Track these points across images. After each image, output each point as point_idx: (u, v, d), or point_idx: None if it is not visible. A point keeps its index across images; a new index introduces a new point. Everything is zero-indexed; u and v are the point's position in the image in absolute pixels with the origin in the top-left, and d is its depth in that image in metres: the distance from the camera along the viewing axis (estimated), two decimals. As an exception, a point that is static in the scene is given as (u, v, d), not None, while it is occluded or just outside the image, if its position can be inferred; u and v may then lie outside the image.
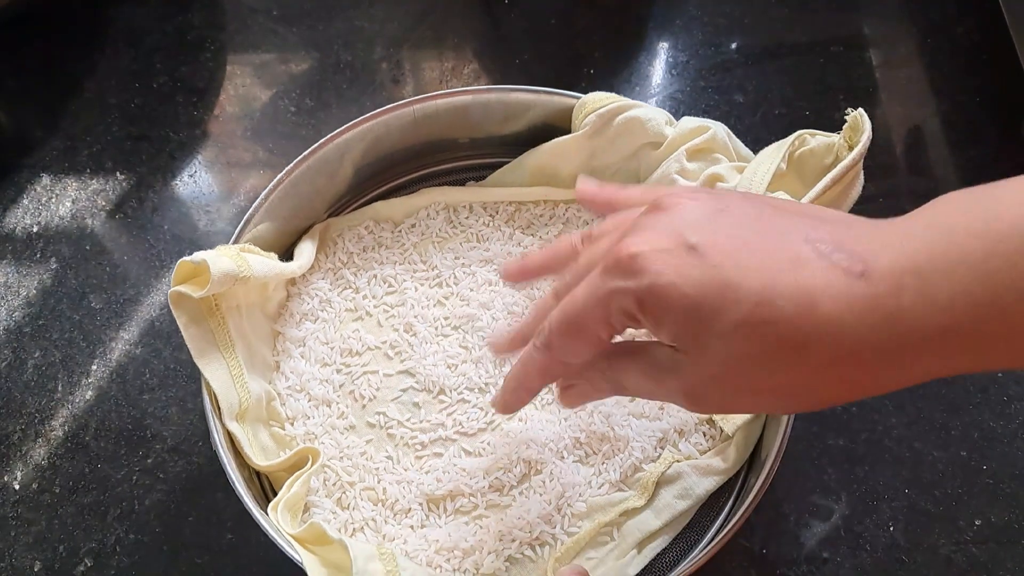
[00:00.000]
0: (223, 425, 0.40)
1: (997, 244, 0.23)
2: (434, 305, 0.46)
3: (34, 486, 0.46)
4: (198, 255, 0.39)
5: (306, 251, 0.46)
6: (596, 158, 0.47)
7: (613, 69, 0.59)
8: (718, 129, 0.44)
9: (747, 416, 0.39)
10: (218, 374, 0.40)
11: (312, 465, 0.39)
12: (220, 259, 0.39)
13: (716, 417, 0.40)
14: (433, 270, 0.47)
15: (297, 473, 0.39)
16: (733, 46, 0.60)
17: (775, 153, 0.41)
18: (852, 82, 0.58)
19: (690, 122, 0.44)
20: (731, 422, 0.40)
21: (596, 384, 0.32)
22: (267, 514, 0.37)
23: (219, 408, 0.40)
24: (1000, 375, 0.47)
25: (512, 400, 0.34)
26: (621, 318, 0.27)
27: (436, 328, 0.45)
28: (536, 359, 0.31)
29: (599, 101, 0.45)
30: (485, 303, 0.46)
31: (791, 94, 0.57)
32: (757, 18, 0.61)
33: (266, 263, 0.42)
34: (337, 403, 0.44)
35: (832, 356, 0.24)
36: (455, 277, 0.47)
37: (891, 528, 0.44)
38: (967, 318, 0.23)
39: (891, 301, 0.24)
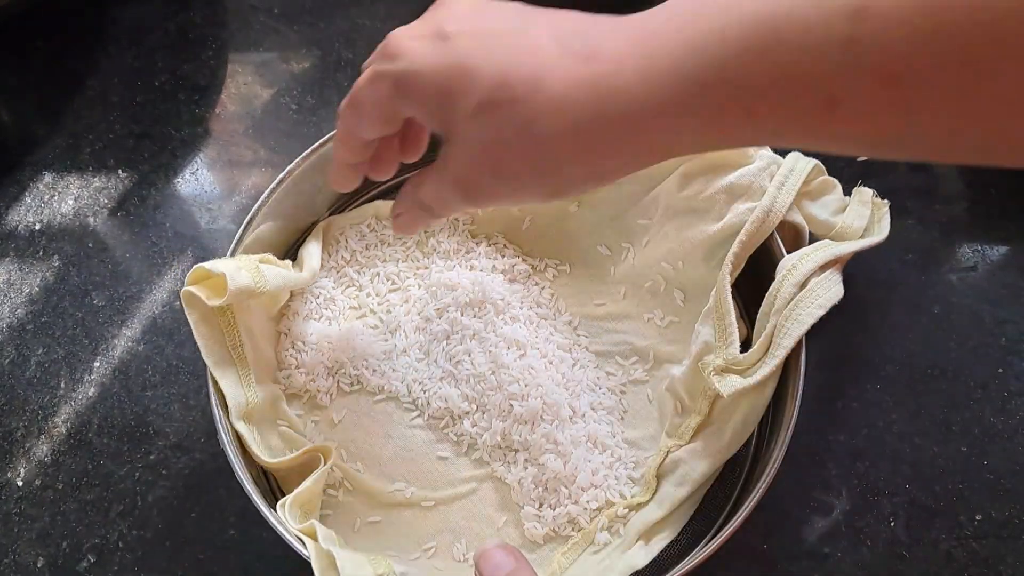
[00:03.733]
0: (231, 423, 0.39)
1: (709, 25, 0.24)
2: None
3: (37, 482, 0.46)
4: (218, 264, 0.39)
5: (314, 255, 0.46)
6: None
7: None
8: None
9: (746, 382, 0.39)
10: (227, 373, 0.40)
11: (325, 463, 0.39)
12: (239, 273, 0.39)
13: (714, 378, 0.39)
14: (435, 266, 0.47)
15: (317, 473, 0.39)
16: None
17: (803, 166, 0.42)
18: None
19: None
20: (729, 384, 0.39)
21: (408, 207, 0.35)
22: (272, 510, 0.37)
23: (226, 407, 0.39)
24: (1000, 370, 0.47)
25: (336, 175, 0.37)
26: (386, 101, 0.30)
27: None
28: (338, 129, 0.34)
29: None
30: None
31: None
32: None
33: (281, 275, 0.42)
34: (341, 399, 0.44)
35: (559, 130, 0.27)
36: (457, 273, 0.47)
37: (892, 523, 0.44)
38: (680, 92, 0.25)
39: (612, 79, 0.26)
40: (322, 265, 0.47)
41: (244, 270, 0.39)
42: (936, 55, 0.21)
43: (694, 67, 0.24)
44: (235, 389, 0.40)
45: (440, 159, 0.31)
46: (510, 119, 0.27)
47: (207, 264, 0.39)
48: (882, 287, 0.50)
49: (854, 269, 0.43)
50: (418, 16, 0.31)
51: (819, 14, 0.22)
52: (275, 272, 0.42)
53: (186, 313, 0.39)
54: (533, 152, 0.28)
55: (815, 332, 0.39)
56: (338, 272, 0.47)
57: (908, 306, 0.49)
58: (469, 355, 0.44)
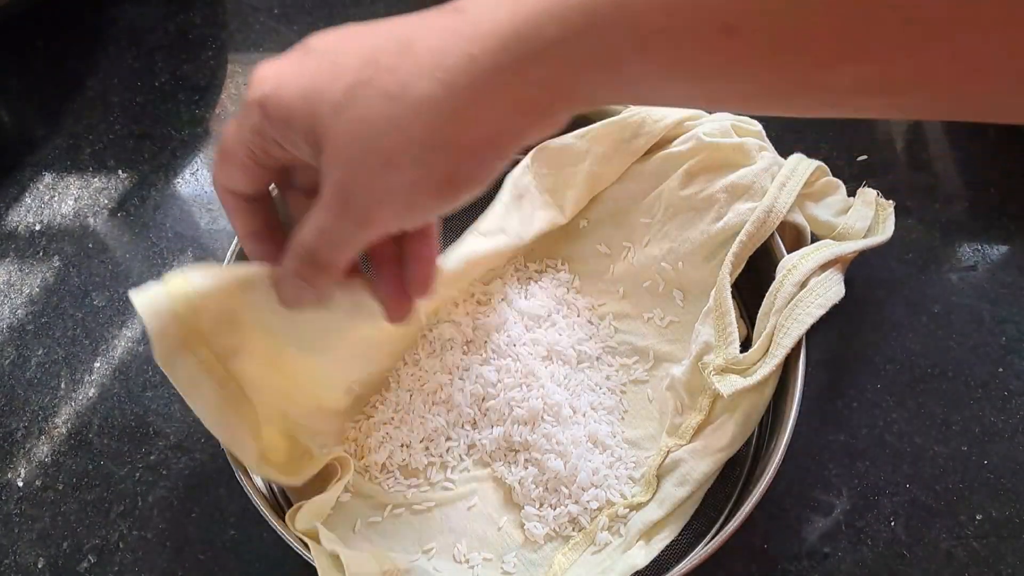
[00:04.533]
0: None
1: None
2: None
3: (38, 483, 0.46)
4: (142, 306, 0.31)
5: None
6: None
7: (613, 66, 0.59)
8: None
9: (746, 382, 0.39)
10: (240, 443, 0.36)
11: (343, 473, 0.39)
12: (157, 307, 0.31)
13: (714, 378, 0.39)
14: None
15: (337, 487, 0.38)
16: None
17: (805, 167, 0.42)
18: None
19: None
20: (729, 383, 0.39)
21: (294, 268, 0.29)
22: (272, 510, 0.37)
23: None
24: (1000, 369, 0.47)
25: (248, 251, 0.32)
26: (253, 134, 0.27)
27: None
28: (220, 198, 0.30)
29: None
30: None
31: (791, 91, 0.57)
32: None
33: (219, 272, 0.33)
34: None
35: (445, 85, 0.23)
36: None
37: (892, 523, 0.44)
38: (564, 28, 0.22)
39: (487, 23, 0.23)
40: None
41: (164, 296, 0.31)
42: None
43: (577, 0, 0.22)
44: (250, 451, 0.36)
45: (320, 193, 0.26)
46: (380, 94, 0.24)
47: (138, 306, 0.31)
48: (882, 287, 0.50)
49: (854, 269, 0.43)
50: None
51: None
52: (209, 272, 0.33)
53: (187, 400, 0.34)
54: (408, 125, 0.24)
55: (815, 332, 0.39)
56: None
57: (908, 305, 0.49)
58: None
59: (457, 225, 0.46)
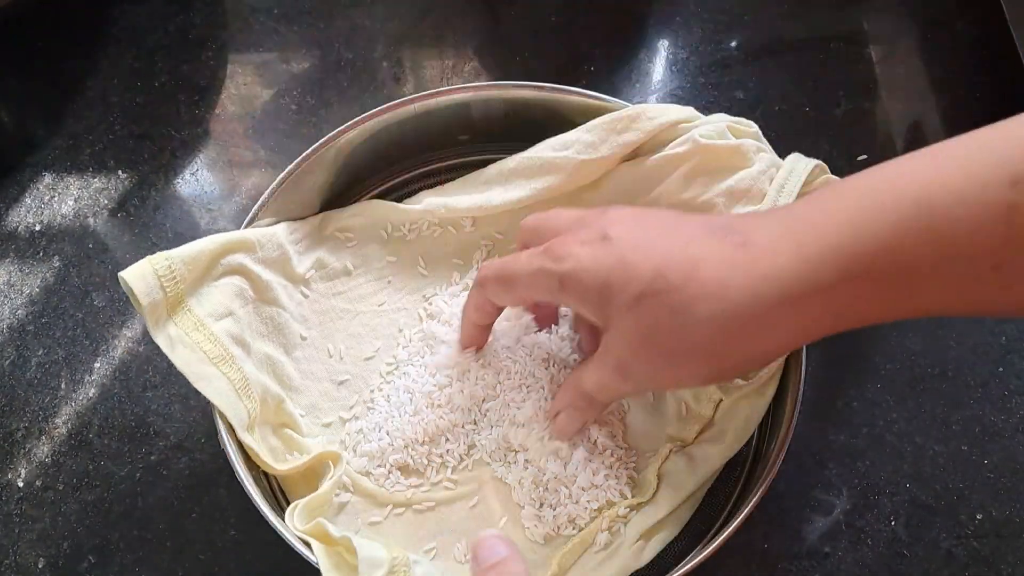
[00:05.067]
0: (233, 429, 0.39)
1: (865, 206, 0.26)
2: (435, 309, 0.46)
3: (38, 483, 0.46)
4: (127, 281, 0.38)
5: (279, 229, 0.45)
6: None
7: (613, 66, 0.59)
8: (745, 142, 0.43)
9: (748, 385, 0.39)
10: (221, 390, 0.39)
11: (335, 469, 0.39)
12: (144, 280, 0.38)
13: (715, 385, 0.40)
14: (434, 274, 0.47)
15: (330, 481, 0.39)
16: (733, 43, 0.60)
17: (803, 167, 0.42)
18: (852, 78, 0.58)
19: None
20: (730, 387, 0.39)
21: (571, 401, 0.36)
22: (273, 510, 0.37)
23: (229, 424, 0.39)
24: (1000, 369, 0.47)
25: (464, 336, 0.41)
26: (546, 291, 0.33)
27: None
28: (472, 294, 0.38)
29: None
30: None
31: (791, 90, 0.57)
32: (757, 15, 0.61)
33: (199, 244, 0.40)
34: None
35: (716, 312, 0.28)
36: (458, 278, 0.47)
37: (892, 522, 0.44)
38: (838, 270, 0.26)
39: (767, 262, 0.27)
40: (325, 265, 0.47)
41: (147, 272, 0.38)
42: None
43: (851, 245, 0.25)
44: (233, 404, 0.39)
45: (601, 349, 0.33)
46: (667, 305, 0.29)
47: (126, 278, 0.38)
48: (882, 286, 0.50)
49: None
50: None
51: (976, 182, 0.23)
52: (191, 246, 0.40)
53: (159, 344, 0.38)
54: (691, 335, 0.29)
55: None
56: (341, 279, 0.47)
57: (908, 305, 0.49)
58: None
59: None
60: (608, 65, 0.59)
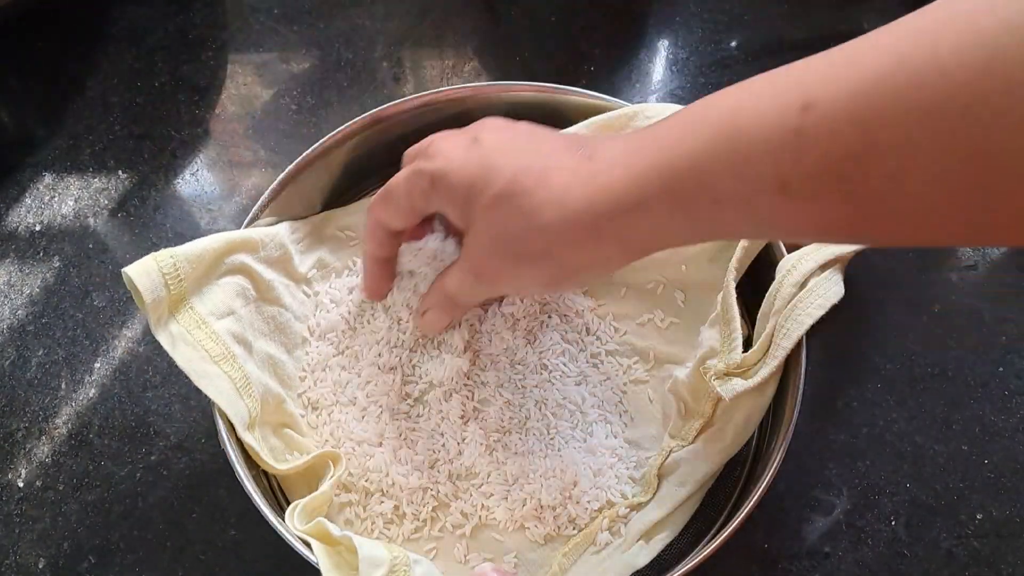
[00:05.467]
0: (233, 429, 0.39)
1: (683, 123, 0.28)
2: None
3: (38, 483, 0.46)
4: (132, 277, 0.38)
5: (282, 228, 0.45)
6: None
7: (614, 66, 0.60)
8: None
9: (747, 384, 0.39)
10: (222, 389, 0.38)
11: (335, 470, 0.39)
12: (148, 277, 0.38)
13: (715, 382, 0.39)
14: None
15: (328, 481, 0.39)
16: (733, 43, 0.60)
17: None
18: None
19: None
20: (731, 388, 0.39)
21: (435, 302, 0.39)
22: (273, 510, 0.37)
23: (230, 423, 0.39)
24: (1001, 369, 0.47)
25: (368, 275, 0.42)
26: (420, 194, 0.35)
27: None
28: (367, 224, 0.40)
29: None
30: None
31: (791, 90, 0.57)
32: (757, 15, 0.61)
33: (201, 243, 0.40)
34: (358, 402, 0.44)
35: (557, 219, 0.30)
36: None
37: (892, 522, 0.44)
38: (656, 186, 0.28)
39: (603, 177, 0.30)
40: (327, 265, 0.47)
41: (151, 269, 0.38)
42: (873, 144, 0.23)
43: (667, 164, 0.28)
44: (233, 402, 0.38)
45: (463, 252, 0.35)
46: (518, 209, 0.31)
47: (131, 275, 0.38)
48: (882, 286, 0.50)
49: (854, 269, 0.43)
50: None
51: (773, 106, 0.26)
52: (194, 245, 0.40)
53: (160, 341, 0.38)
54: (535, 239, 0.31)
55: (815, 331, 0.39)
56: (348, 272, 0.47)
57: (908, 305, 0.49)
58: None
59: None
60: (608, 65, 0.59)
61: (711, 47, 0.60)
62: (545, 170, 0.31)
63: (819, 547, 0.43)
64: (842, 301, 0.40)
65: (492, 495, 0.42)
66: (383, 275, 0.42)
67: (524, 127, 0.35)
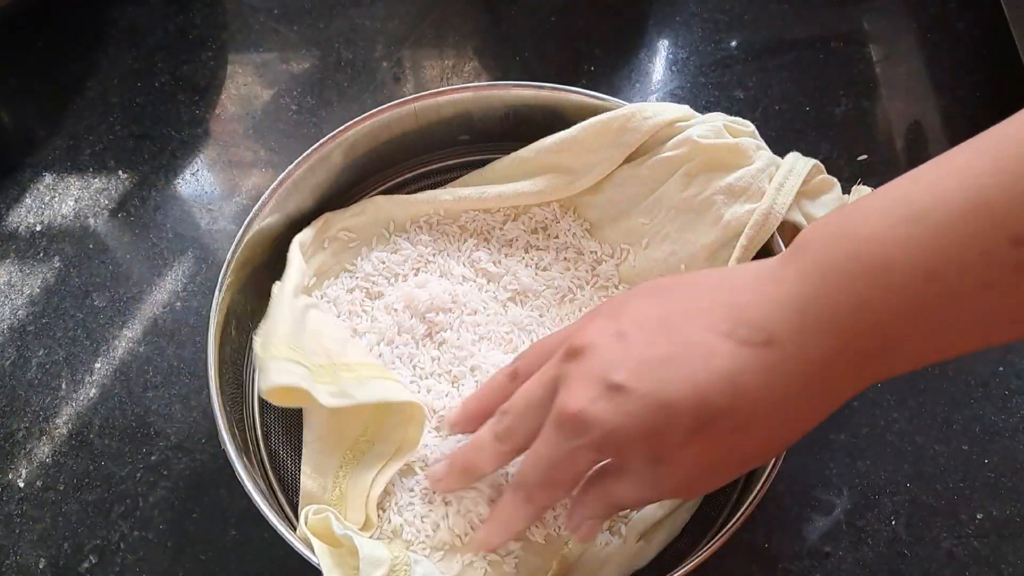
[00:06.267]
0: (233, 428, 0.39)
1: (871, 285, 0.26)
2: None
3: (38, 484, 0.46)
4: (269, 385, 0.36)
5: (294, 262, 0.44)
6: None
7: (614, 66, 0.59)
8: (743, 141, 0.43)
9: None
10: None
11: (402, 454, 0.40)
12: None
13: None
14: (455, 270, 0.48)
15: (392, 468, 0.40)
16: (733, 43, 0.60)
17: (803, 166, 0.42)
18: (852, 78, 0.58)
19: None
20: None
21: (599, 512, 0.34)
22: (273, 510, 0.37)
23: (229, 425, 0.39)
24: (1001, 368, 0.47)
25: (452, 482, 0.39)
26: (585, 465, 0.32)
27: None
28: (520, 507, 0.35)
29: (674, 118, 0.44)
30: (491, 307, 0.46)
31: (791, 90, 0.57)
32: (757, 14, 0.61)
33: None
34: None
35: (777, 416, 0.28)
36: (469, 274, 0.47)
37: (893, 522, 0.44)
38: (868, 348, 0.27)
39: (801, 357, 0.27)
40: (327, 268, 0.47)
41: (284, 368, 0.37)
42: None
43: (872, 331, 0.26)
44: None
45: (642, 474, 0.31)
46: (726, 429, 0.28)
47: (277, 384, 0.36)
48: (882, 286, 0.50)
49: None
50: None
51: (978, 252, 0.24)
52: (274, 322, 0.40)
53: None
54: (757, 446, 0.30)
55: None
56: (352, 277, 0.47)
57: (908, 305, 0.49)
58: (469, 360, 0.44)
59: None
60: (608, 65, 0.59)
61: (711, 47, 0.60)
62: (731, 382, 0.28)
63: (819, 547, 0.43)
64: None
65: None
66: (460, 487, 0.40)
67: (638, 325, 0.30)
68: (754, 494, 0.37)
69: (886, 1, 0.61)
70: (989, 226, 0.24)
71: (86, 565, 0.44)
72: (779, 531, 0.44)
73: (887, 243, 0.25)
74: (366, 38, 0.61)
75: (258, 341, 0.38)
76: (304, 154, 0.44)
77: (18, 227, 0.54)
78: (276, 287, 0.42)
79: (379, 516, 0.41)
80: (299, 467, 0.41)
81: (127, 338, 0.50)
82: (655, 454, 0.30)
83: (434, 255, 0.47)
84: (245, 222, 0.43)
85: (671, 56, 0.60)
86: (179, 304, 0.51)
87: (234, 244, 0.42)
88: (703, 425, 0.28)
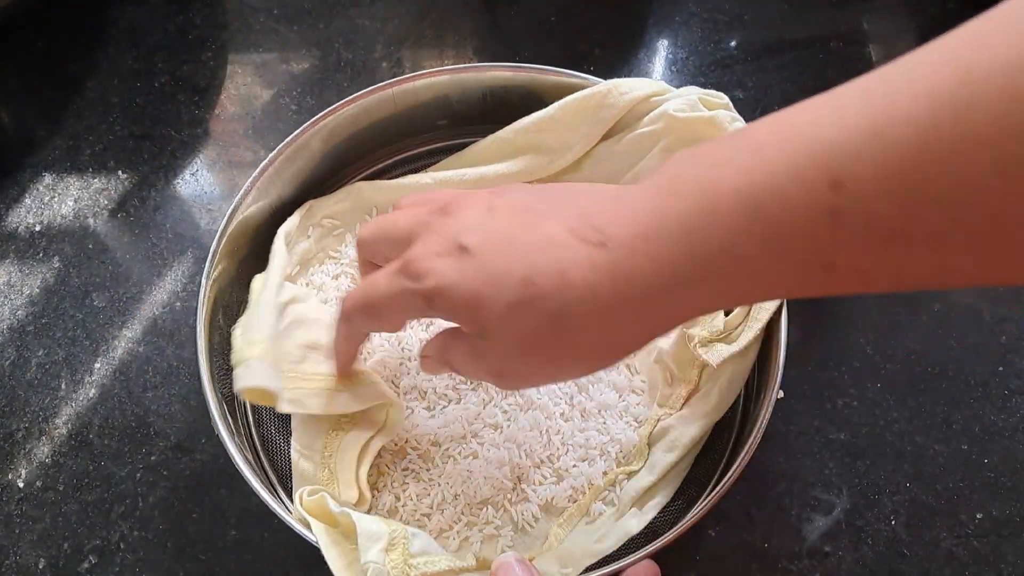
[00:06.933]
0: (232, 429, 0.39)
1: (701, 204, 0.26)
2: None
3: (38, 484, 0.46)
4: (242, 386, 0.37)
5: (277, 254, 0.45)
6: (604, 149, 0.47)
7: (613, 66, 0.60)
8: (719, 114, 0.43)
9: (732, 349, 0.40)
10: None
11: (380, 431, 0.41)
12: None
13: (701, 350, 0.40)
14: None
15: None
16: (733, 43, 0.60)
17: None
18: (852, 78, 0.58)
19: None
20: (716, 354, 0.40)
21: (437, 358, 0.36)
22: (274, 500, 0.37)
23: (229, 424, 0.40)
24: (1001, 368, 0.47)
25: (339, 363, 0.40)
26: (414, 311, 0.32)
27: None
28: (340, 327, 0.38)
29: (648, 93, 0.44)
30: None
31: (791, 90, 0.57)
32: (757, 14, 0.61)
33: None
34: None
35: (590, 317, 0.29)
36: None
37: (892, 522, 0.44)
38: (688, 270, 0.27)
39: (627, 264, 0.28)
40: (310, 256, 0.47)
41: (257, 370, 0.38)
42: (914, 214, 0.23)
43: (694, 248, 0.27)
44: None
45: (472, 345, 0.32)
46: (543, 313, 0.29)
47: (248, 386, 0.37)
48: (882, 286, 0.50)
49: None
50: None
51: (801, 189, 0.24)
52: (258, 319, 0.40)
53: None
54: (568, 339, 0.30)
55: (815, 331, 0.39)
56: (335, 263, 0.48)
57: (908, 305, 0.49)
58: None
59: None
60: (608, 65, 0.59)
61: (711, 47, 0.60)
62: (560, 270, 0.29)
63: (819, 547, 0.43)
64: (842, 300, 0.40)
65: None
66: (353, 358, 0.41)
67: (503, 207, 0.32)
68: (743, 455, 0.37)
69: (886, 1, 0.62)
70: (812, 166, 0.24)
71: (86, 565, 0.44)
72: (778, 531, 0.44)
73: (725, 171, 0.26)
74: (366, 38, 0.61)
75: (237, 335, 0.39)
76: (283, 142, 0.44)
77: (18, 227, 0.54)
78: (257, 280, 0.42)
79: (373, 496, 0.41)
80: (291, 456, 0.42)
81: (127, 338, 0.50)
82: (479, 324, 0.31)
83: None
84: (227, 212, 0.43)
85: (671, 56, 0.60)
86: (179, 304, 0.51)
87: (218, 235, 0.42)
88: (523, 303, 0.29)
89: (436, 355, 0.36)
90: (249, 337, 0.39)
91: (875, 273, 0.25)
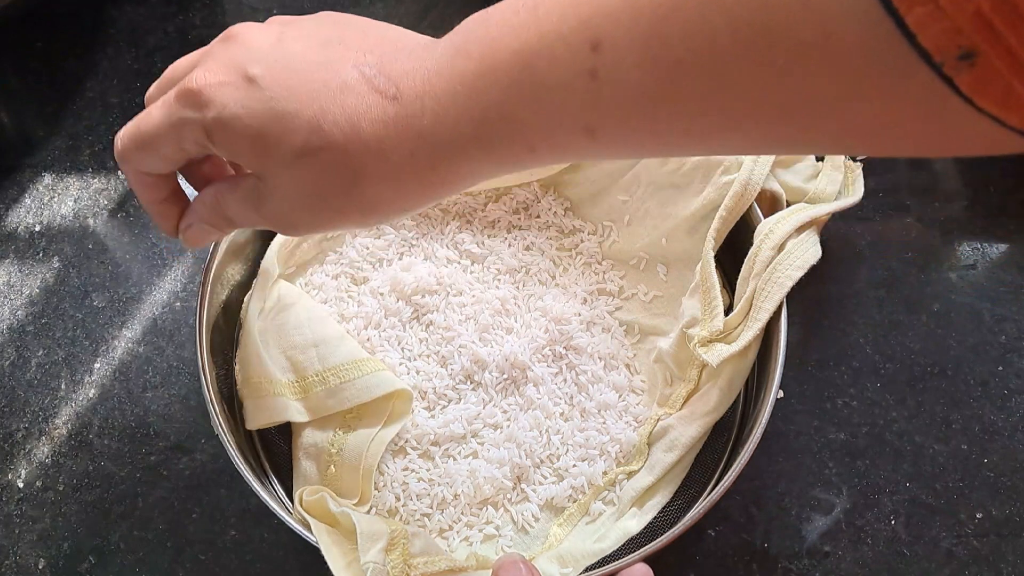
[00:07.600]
0: (223, 415, 0.40)
1: (484, 65, 0.26)
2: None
3: (38, 484, 0.46)
4: None
5: (270, 260, 0.45)
6: None
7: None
8: None
9: (731, 349, 0.40)
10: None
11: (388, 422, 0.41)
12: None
13: (700, 350, 0.40)
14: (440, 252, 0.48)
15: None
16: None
17: None
18: (852, 78, 0.58)
19: None
20: (716, 354, 0.40)
21: (207, 218, 0.33)
22: (274, 500, 0.37)
23: (228, 423, 0.40)
24: (1000, 368, 0.47)
25: (157, 221, 0.35)
26: (192, 144, 0.30)
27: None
28: (124, 173, 0.34)
29: None
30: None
31: (791, 90, 0.57)
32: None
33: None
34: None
35: (380, 173, 0.28)
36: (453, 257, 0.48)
37: (892, 521, 0.44)
38: (469, 130, 0.27)
39: (417, 121, 0.27)
40: (312, 258, 0.48)
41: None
42: (663, 76, 0.23)
43: (474, 107, 0.26)
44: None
45: (251, 188, 0.31)
46: (332, 166, 0.28)
47: None
48: (881, 286, 0.50)
49: (854, 267, 0.43)
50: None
51: (565, 49, 0.24)
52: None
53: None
54: (355, 193, 0.29)
55: (815, 331, 0.39)
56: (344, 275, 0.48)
57: (908, 304, 0.49)
58: (457, 340, 0.44)
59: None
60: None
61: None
62: (352, 121, 0.27)
63: (819, 546, 0.43)
64: (841, 299, 0.40)
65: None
66: (175, 210, 0.35)
67: (300, 37, 0.29)
68: (742, 454, 0.37)
69: (885, 1, 0.61)
70: (577, 27, 0.24)
71: (85, 565, 0.44)
72: (778, 531, 0.44)
73: (505, 31, 0.26)
74: (365, 38, 0.61)
75: (238, 371, 0.41)
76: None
77: (17, 227, 0.54)
78: (247, 306, 0.44)
79: (373, 496, 0.41)
80: (291, 452, 0.42)
81: (126, 338, 0.50)
82: (262, 165, 0.29)
83: (418, 239, 0.48)
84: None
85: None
86: (178, 304, 0.51)
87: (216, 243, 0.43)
88: (311, 150, 0.28)
89: (208, 211, 0.33)
90: (247, 372, 0.41)
91: (632, 139, 0.25)
